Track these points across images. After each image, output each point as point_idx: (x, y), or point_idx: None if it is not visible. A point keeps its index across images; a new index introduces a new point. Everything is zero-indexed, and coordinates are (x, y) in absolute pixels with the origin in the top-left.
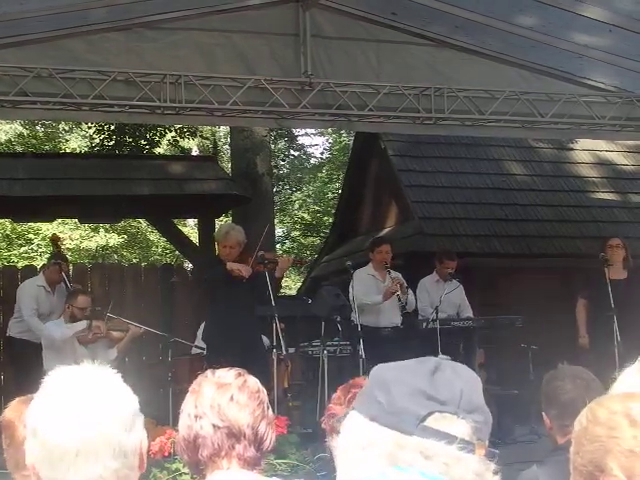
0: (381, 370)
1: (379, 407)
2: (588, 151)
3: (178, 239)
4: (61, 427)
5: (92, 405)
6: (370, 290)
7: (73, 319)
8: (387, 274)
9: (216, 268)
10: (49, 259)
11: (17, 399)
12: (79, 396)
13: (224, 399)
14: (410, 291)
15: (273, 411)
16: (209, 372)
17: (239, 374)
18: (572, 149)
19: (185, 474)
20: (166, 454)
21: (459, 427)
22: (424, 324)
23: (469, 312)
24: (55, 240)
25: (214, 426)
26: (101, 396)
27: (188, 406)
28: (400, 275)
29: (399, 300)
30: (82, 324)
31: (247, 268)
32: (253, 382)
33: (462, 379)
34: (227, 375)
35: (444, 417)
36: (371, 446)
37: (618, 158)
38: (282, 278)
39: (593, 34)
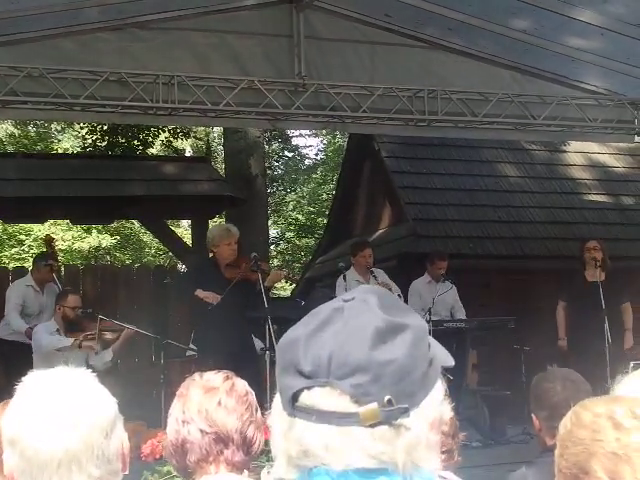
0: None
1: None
2: (580, 153)
3: (171, 240)
4: (41, 436)
5: (71, 411)
6: None
7: (65, 319)
8: (372, 277)
9: (215, 270)
10: (35, 258)
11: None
12: (57, 402)
13: (212, 404)
14: (395, 287)
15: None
16: (197, 375)
17: (227, 377)
18: (564, 151)
19: (176, 477)
20: (157, 457)
21: (332, 400)
22: None
23: (462, 313)
24: (49, 241)
25: (202, 431)
26: (80, 401)
27: (176, 410)
28: (382, 272)
29: None
30: (69, 341)
31: (216, 297)
32: (241, 385)
33: (340, 337)
34: (215, 378)
35: (314, 392)
36: (273, 445)
37: (610, 160)
38: (271, 288)
39: (585, 37)
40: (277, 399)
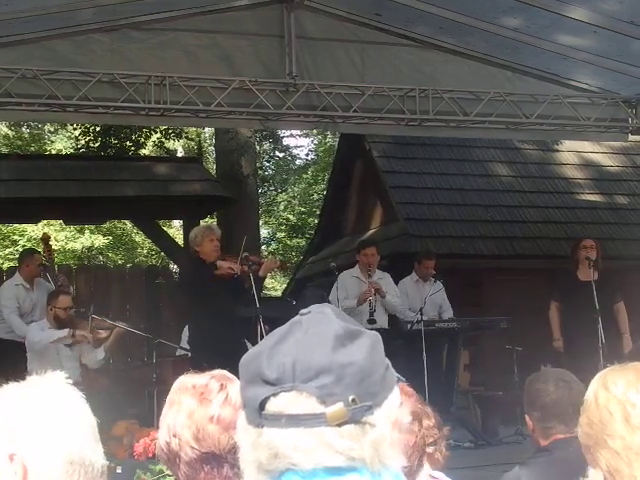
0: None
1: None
2: (573, 152)
3: (163, 240)
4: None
5: (71, 405)
6: (351, 292)
7: (57, 320)
8: (368, 276)
9: (205, 269)
10: (20, 255)
11: None
12: (59, 398)
13: (204, 419)
14: (395, 294)
15: None
16: (189, 380)
17: (221, 386)
18: (557, 150)
19: (169, 476)
20: (150, 455)
21: (299, 403)
22: (408, 326)
23: (450, 313)
24: (45, 240)
25: (192, 448)
26: (71, 398)
27: (167, 419)
28: (388, 276)
29: (369, 306)
30: (64, 332)
31: (236, 264)
32: (236, 394)
33: (301, 344)
34: (208, 388)
35: (280, 398)
36: (242, 460)
37: (603, 159)
38: (265, 277)
39: (578, 35)
40: (242, 415)
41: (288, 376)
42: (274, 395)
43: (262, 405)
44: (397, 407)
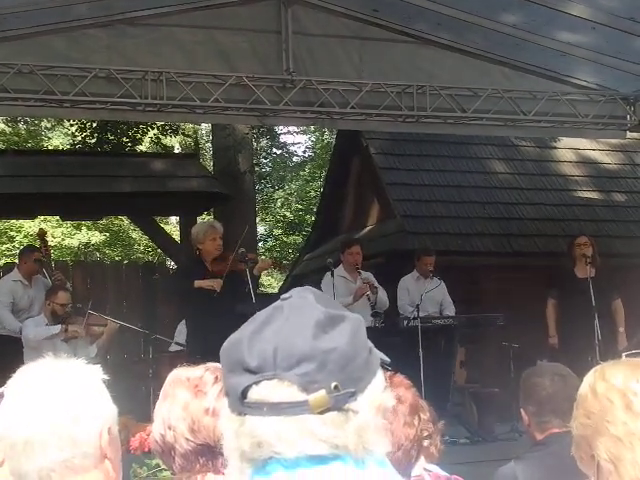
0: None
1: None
2: (571, 149)
3: (160, 237)
4: (9, 419)
5: (43, 397)
6: (340, 293)
7: (54, 315)
8: (358, 275)
9: (182, 285)
10: (20, 251)
11: None
12: (31, 389)
13: (199, 411)
14: (382, 290)
15: None
16: (184, 373)
17: (216, 379)
18: (555, 147)
19: (165, 470)
20: (146, 450)
21: (281, 391)
22: (405, 322)
23: (452, 310)
24: (41, 235)
25: (188, 440)
26: (53, 388)
27: (162, 411)
28: (371, 275)
29: (368, 300)
30: (56, 328)
31: (218, 281)
32: None
33: (283, 331)
34: (203, 379)
35: (262, 386)
36: (225, 448)
37: (601, 156)
38: (260, 276)
39: (576, 32)
40: (224, 402)
41: (269, 364)
42: (256, 383)
43: (244, 393)
44: (381, 391)
